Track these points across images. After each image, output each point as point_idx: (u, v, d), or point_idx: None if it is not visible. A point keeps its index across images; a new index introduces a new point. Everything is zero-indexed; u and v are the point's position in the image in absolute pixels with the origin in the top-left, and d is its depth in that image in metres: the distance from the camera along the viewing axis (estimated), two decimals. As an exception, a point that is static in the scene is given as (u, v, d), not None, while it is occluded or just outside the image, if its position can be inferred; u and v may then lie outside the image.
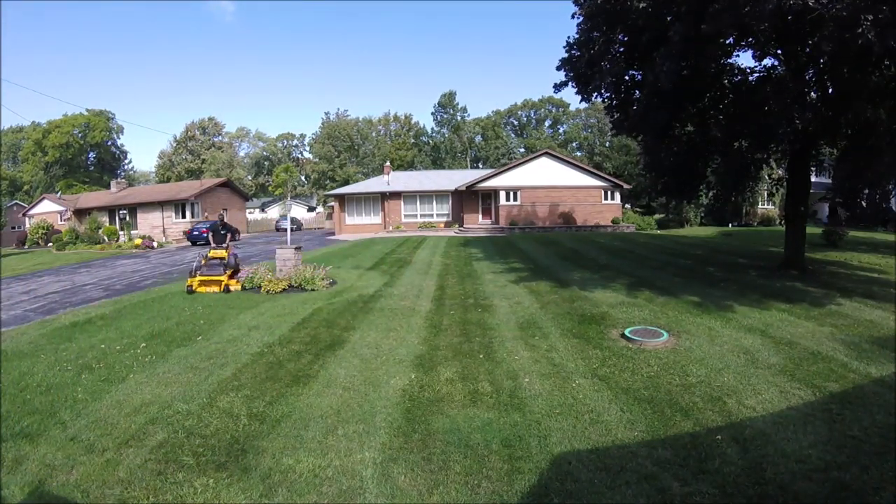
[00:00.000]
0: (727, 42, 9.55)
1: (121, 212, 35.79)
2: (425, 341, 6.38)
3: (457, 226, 31.51)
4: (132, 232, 33.31)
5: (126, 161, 69.48)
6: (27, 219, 40.40)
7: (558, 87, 11.54)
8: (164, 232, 33.36)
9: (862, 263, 12.80)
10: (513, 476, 3.32)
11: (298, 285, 10.30)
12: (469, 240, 23.06)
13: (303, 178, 68.69)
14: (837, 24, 6.83)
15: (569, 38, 11.06)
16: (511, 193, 30.63)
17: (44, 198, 41.52)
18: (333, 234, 33.25)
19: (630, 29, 9.73)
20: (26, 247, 35.46)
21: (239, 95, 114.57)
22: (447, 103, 68.39)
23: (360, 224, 32.87)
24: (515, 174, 31.14)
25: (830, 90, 9.49)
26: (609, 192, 31.29)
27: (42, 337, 7.16)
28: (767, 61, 10.28)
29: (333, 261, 14.83)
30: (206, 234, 24.40)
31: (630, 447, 3.64)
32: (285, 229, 22.90)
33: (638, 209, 37.72)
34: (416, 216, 32.78)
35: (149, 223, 34.15)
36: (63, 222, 37.11)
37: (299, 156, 74.33)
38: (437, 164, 63.11)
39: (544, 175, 30.82)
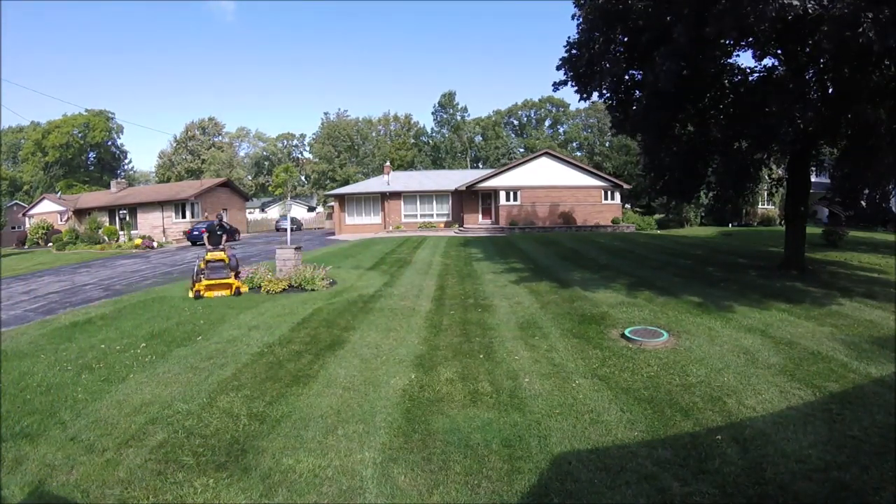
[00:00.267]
0: (727, 42, 9.55)
1: (121, 212, 35.81)
2: (425, 341, 6.38)
3: (457, 226, 31.51)
4: (132, 232, 33.34)
5: (126, 161, 69.56)
6: (27, 219, 40.43)
7: (557, 85, 11.55)
8: (164, 232, 33.36)
9: (862, 263, 12.79)
10: (513, 476, 3.32)
11: (298, 285, 10.30)
12: (469, 240, 23.06)
13: (303, 178, 68.69)
14: (838, 23, 6.82)
15: (569, 37, 11.08)
16: (511, 193, 30.63)
17: (44, 198, 41.55)
18: (333, 234, 33.26)
19: (630, 29, 9.73)
20: (26, 247, 35.48)
21: (239, 95, 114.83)
22: (447, 103, 68.40)
23: (360, 224, 32.88)
24: (515, 174, 31.15)
25: (830, 90, 9.49)
26: (609, 192, 31.30)
27: (42, 337, 7.16)
28: (767, 61, 10.30)
29: (333, 261, 14.82)
30: (204, 235, 24.39)
31: (630, 447, 3.64)
32: (285, 229, 22.90)
33: (638, 209, 37.70)
34: (416, 216, 32.79)
35: (149, 223, 34.16)
36: (63, 222, 37.13)
37: (299, 156, 74.38)
38: (437, 164, 63.10)
39: (544, 175, 30.83)
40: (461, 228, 30.32)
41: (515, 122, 73.77)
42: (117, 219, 35.71)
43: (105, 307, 9.29)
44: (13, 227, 41.07)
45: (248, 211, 48.48)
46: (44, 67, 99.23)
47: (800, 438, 3.68)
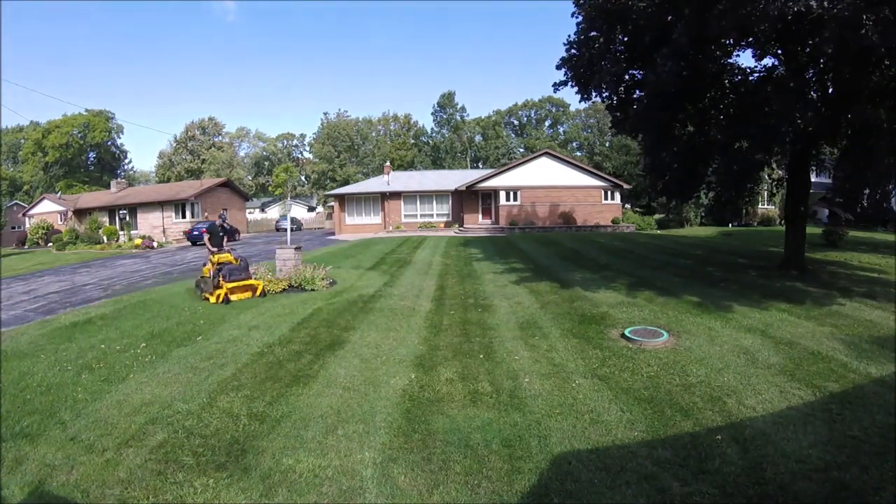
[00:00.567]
0: (727, 42, 9.54)
1: (121, 212, 35.80)
2: (425, 341, 6.38)
3: (457, 226, 31.51)
4: (132, 232, 33.33)
5: (126, 161, 69.54)
6: (27, 219, 40.43)
7: (557, 85, 11.55)
8: (164, 232, 33.36)
9: (862, 263, 12.79)
10: (513, 476, 3.32)
11: (298, 285, 10.30)
12: (469, 240, 23.06)
13: (303, 178, 68.70)
14: (839, 24, 6.82)
15: (569, 37, 11.06)
16: (511, 193, 30.63)
17: (44, 198, 41.55)
18: (333, 234, 33.25)
19: (630, 29, 9.72)
20: (26, 247, 35.49)
21: (239, 95, 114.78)
22: (447, 103, 68.39)
23: (360, 224, 32.87)
24: (515, 174, 31.13)
25: (831, 90, 9.48)
26: (609, 192, 31.28)
27: (42, 337, 7.16)
28: (767, 61, 10.29)
29: (333, 261, 14.82)
30: (204, 235, 24.32)
31: (630, 447, 3.64)
32: (285, 229, 22.87)
33: (638, 209, 37.67)
34: (416, 216, 32.78)
35: (149, 223, 34.15)
36: (63, 223, 37.13)
37: (299, 156, 74.39)
38: (437, 164, 63.10)
39: (544, 175, 30.82)
40: (461, 228, 30.32)
41: (515, 122, 73.79)
42: (117, 219, 35.70)
43: (105, 307, 9.29)
44: (13, 227, 41.07)
45: (247, 211, 48.48)
46: (44, 67, 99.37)
47: (800, 438, 3.68)
